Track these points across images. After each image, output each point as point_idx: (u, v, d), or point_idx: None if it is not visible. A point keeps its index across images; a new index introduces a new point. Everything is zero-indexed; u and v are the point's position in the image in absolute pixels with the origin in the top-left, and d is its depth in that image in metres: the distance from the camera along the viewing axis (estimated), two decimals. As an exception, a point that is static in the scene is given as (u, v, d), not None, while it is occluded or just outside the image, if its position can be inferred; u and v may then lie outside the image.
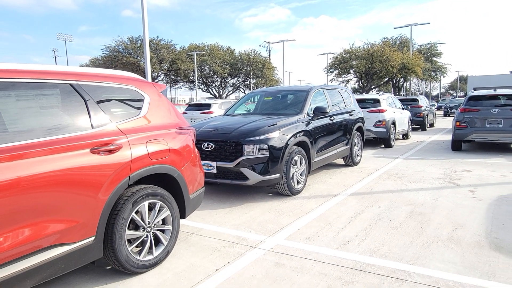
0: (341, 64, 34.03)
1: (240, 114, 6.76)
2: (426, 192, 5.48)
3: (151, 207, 3.13)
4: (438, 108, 41.13)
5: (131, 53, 40.38)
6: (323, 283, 2.84)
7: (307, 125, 5.76)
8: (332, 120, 6.56)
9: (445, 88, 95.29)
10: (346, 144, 7.22)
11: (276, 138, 5.05)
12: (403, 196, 5.26)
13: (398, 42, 38.31)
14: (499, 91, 9.34)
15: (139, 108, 3.23)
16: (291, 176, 5.27)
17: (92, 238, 2.66)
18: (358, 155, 7.87)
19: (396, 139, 12.63)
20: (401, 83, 39.05)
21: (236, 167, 4.93)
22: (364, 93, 31.03)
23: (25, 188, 2.24)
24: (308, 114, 5.97)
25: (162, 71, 43.98)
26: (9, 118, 2.34)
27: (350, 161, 7.59)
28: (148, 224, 3.10)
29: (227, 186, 6.04)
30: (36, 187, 2.30)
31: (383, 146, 10.88)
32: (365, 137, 10.20)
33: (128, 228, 2.94)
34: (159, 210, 3.20)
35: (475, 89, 10.86)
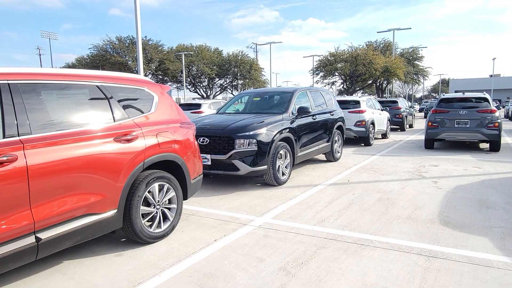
0: (326, 67, 35.00)
1: (231, 113, 7.41)
2: (395, 182, 6.22)
3: (160, 188, 3.75)
4: (420, 110, 42.56)
5: (119, 53, 40.52)
6: (302, 248, 3.51)
7: (291, 123, 6.44)
8: (314, 119, 7.26)
9: (428, 90, 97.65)
10: (327, 141, 7.94)
11: (264, 134, 5.71)
12: (375, 186, 5.99)
13: (381, 45, 39.48)
14: (467, 94, 10.22)
15: (150, 106, 3.85)
16: (277, 168, 5.94)
17: (115, 211, 3.27)
18: (338, 152, 8.60)
19: (376, 138, 13.47)
20: (384, 85, 40.25)
21: (228, 159, 5.58)
22: (345, 95, 32.02)
23: (65, 167, 2.84)
24: (292, 113, 6.65)
25: (150, 71, 44.18)
26: (52, 112, 2.94)
27: (331, 156, 8.31)
28: (158, 202, 3.73)
29: (220, 177, 6.68)
30: (73, 167, 2.91)
31: (362, 144, 11.67)
32: (346, 136, 10.97)
33: (142, 205, 3.56)
34: (166, 191, 3.82)
35: (456, 91, 11.71)
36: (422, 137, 13.70)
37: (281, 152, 6.05)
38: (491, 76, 65.26)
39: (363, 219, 4.35)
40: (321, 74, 36.66)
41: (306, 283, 2.85)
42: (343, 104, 11.48)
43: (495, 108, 9.59)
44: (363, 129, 11.14)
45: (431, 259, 3.22)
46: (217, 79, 52.62)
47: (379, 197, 5.28)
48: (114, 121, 3.38)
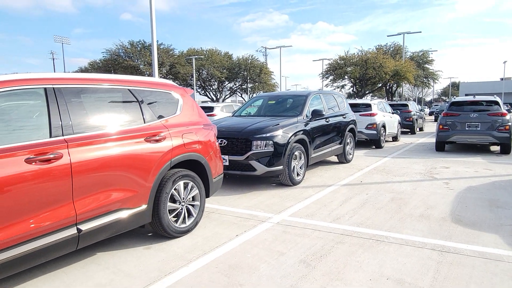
0: (336, 70, 35.12)
1: (247, 115, 7.64)
2: (407, 183, 6.38)
3: (185, 186, 3.98)
4: (431, 114, 42.39)
5: (131, 57, 41.15)
6: (320, 243, 3.71)
7: (305, 125, 6.64)
8: (327, 122, 7.45)
9: (438, 94, 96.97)
10: (340, 143, 8.11)
11: (280, 135, 5.92)
12: (388, 186, 6.15)
13: (391, 49, 39.49)
14: (478, 97, 10.32)
15: (175, 108, 4.09)
16: (292, 168, 6.14)
17: (145, 206, 3.51)
18: (350, 154, 8.76)
19: (387, 141, 13.58)
20: (394, 88, 40.20)
21: (245, 160, 5.80)
22: (356, 98, 32.11)
23: (102, 164, 3.09)
24: (306, 116, 6.86)
25: (161, 75, 44.74)
26: (91, 114, 3.19)
27: (343, 158, 8.48)
28: (183, 199, 3.95)
29: (236, 177, 6.90)
30: (110, 164, 3.15)
31: (374, 147, 11.81)
32: (357, 139, 11.12)
33: (169, 201, 3.79)
34: (190, 189, 4.05)
35: (466, 95, 11.83)
36: (433, 140, 13.79)
37: (296, 153, 6.25)
38: (502, 79, 64.64)
39: (377, 217, 4.52)
40: (331, 77, 36.80)
41: (326, 274, 3.04)
42: (354, 107, 11.64)
43: (506, 111, 9.68)
44: (374, 132, 11.28)
45: (444, 253, 3.39)
46: (226, 83, 53.06)
47: (392, 197, 5.44)
48: (145, 122, 3.62)
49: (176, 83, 49.86)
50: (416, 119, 17.56)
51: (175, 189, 3.85)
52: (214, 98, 52.41)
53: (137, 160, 3.38)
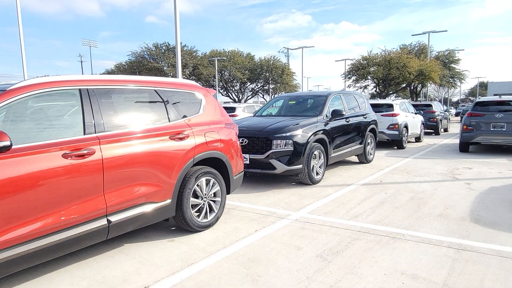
0: (358, 71, 34.79)
1: (267, 115, 7.78)
2: (428, 183, 6.36)
3: (207, 183, 4.16)
4: (457, 114, 41.28)
5: (156, 59, 42.06)
6: (337, 239, 3.81)
7: (325, 125, 6.73)
8: (347, 122, 7.50)
9: (465, 94, 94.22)
10: (360, 143, 8.14)
11: (300, 135, 6.04)
12: (408, 186, 6.16)
13: (416, 48, 38.77)
14: (504, 97, 10.09)
15: (198, 108, 4.28)
16: (311, 167, 6.24)
17: (169, 201, 3.71)
18: (371, 154, 8.77)
19: (409, 141, 13.42)
20: (418, 89, 39.42)
21: (266, 158, 5.94)
22: (378, 98, 31.71)
23: (131, 160, 3.30)
24: (326, 116, 6.94)
25: (184, 76, 45.51)
26: (121, 113, 3.42)
27: (363, 158, 8.49)
28: (205, 195, 4.14)
29: (256, 176, 7.06)
30: (137, 160, 3.36)
31: (395, 147, 11.71)
32: (379, 139, 11.09)
33: (192, 197, 3.98)
34: (212, 185, 4.23)
35: (495, 95, 11.60)
36: (457, 141, 13.50)
37: (315, 152, 6.34)
38: (534, 78, 62.06)
39: (395, 215, 4.57)
40: (354, 78, 36.48)
41: (342, 268, 3.15)
42: (376, 107, 11.59)
43: (534, 111, 9.43)
44: (396, 132, 11.20)
45: (460, 251, 3.43)
46: (248, 84, 53.40)
47: (411, 197, 5.46)
48: (169, 121, 3.83)
49: (199, 84, 50.77)
50: (441, 120, 17.22)
51: (197, 185, 4.03)
52: (236, 99, 52.83)
53: (162, 156, 3.58)
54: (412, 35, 44.42)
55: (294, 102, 7.91)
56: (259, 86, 53.76)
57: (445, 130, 19.07)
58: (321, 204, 5.17)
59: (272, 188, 6.19)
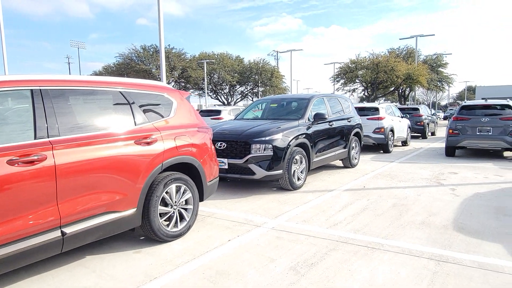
0: (347, 74, 34.85)
1: (249, 118, 7.57)
2: (411, 189, 6.20)
3: (177, 189, 3.93)
4: (445, 118, 41.62)
5: (144, 61, 41.62)
6: (313, 250, 3.60)
7: (307, 129, 6.54)
8: (331, 125, 7.33)
9: (454, 98, 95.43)
10: (344, 148, 7.97)
11: (280, 139, 5.83)
12: (391, 192, 5.99)
13: (404, 52, 39.03)
14: (490, 101, 10.04)
15: (169, 111, 4.04)
16: (292, 172, 6.03)
17: (134, 210, 3.46)
18: (355, 158, 8.61)
19: (396, 145, 13.35)
20: (407, 92, 39.66)
21: (244, 163, 5.72)
22: (364, 102, 31.76)
23: (89, 167, 3.05)
24: (309, 120, 6.75)
25: (173, 79, 45.14)
26: (79, 115, 3.17)
27: (348, 163, 8.33)
28: (175, 202, 3.90)
29: (237, 181, 6.83)
30: (97, 167, 3.11)
31: (381, 151, 11.60)
32: (364, 143, 10.98)
33: (160, 205, 3.73)
34: (183, 192, 3.99)
35: (483, 98, 11.57)
36: (444, 145, 13.47)
37: (297, 157, 6.14)
38: (519, 83, 63.12)
39: (375, 223, 4.39)
40: (342, 81, 36.53)
41: (314, 282, 2.94)
42: (362, 111, 11.48)
43: (519, 116, 9.38)
44: (382, 136, 11.08)
45: (441, 263, 3.25)
46: (238, 86, 53.19)
47: (394, 203, 5.29)
48: (135, 125, 3.58)
49: (188, 86, 50.21)
50: (428, 124, 17.22)
51: (166, 193, 3.80)
52: (226, 102, 52.56)
53: (126, 163, 3.34)
54: (400, 39, 44.51)
55: (276, 105, 7.72)
56: (248, 89, 53.58)
57: (433, 133, 19.09)
58: (301, 211, 4.97)
59: (252, 194, 5.97)
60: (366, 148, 12.23)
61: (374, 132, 11.12)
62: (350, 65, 34.65)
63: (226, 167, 5.87)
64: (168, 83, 45.93)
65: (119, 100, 3.56)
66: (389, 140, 11.30)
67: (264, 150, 5.71)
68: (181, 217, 4.01)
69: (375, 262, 3.28)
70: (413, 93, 37.02)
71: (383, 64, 31.46)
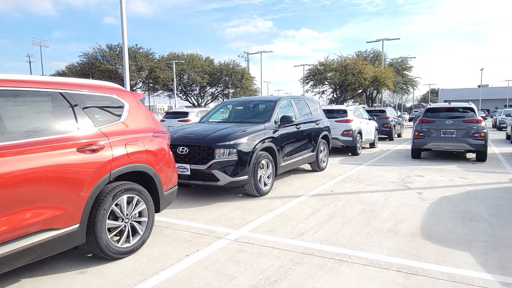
0: (315, 76, 35.14)
1: (214, 121, 7.25)
2: (379, 193, 6.10)
3: (129, 201, 3.56)
4: (410, 119, 42.89)
5: (109, 61, 40.26)
6: (277, 264, 3.35)
7: (274, 132, 6.30)
8: (298, 128, 7.13)
9: (418, 100, 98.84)
10: (312, 151, 7.81)
11: (245, 143, 5.56)
12: (359, 197, 5.85)
13: (371, 55, 39.85)
14: (453, 104, 10.22)
15: (120, 114, 3.68)
16: (258, 178, 5.78)
17: (77, 226, 3.08)
18: (324, 161, 8.47)
19: (364, 147, 13.40)
20: (374, 95, 40.52)
21: (208, 169, 5.41)
22: (333, 104, 32.15)
23: (19, 179, 2.65)
24: (275, 122, 6.52)
25: (140, 79, 43.99)
26: (8, 120, 2.76)
27: (316, 166, 8.18)
28: (126, 215, 3.54)
29: (200, 187, 6.49)
30: (29, 179, 2.71)
31: (350, 154, 11.57)
32: (333, 145, 10.90)
33: (109, 219, 3.37)
34: (136, 204, 3.63)
35: (445, 101, 11.79)
36: (410, 146, 13.69)
37: (263, 162, 5.89)
38: (479, 86, 66.29)
39: (343, 232, 4.20)
40: (311, 83, 36.80)
41: (277, 303, 2.68)
42: (330, 113, 11.43)
43: (481, 118, 9.59)
44: (350, 139, 11.05)
45: (410, 276, 3.08)
46: (208, 88, 52.56)
47: (362, 209, 5.14)
48: (78, 130, 3.20)
49: (157, 87, 49.06)
50: (394, 125, 17.51)
51: (116, 205, 3.43)
52: (196, 104, 51.80)
53: (65, 173, 2.95)
54: (367, 42, 45.73)
55: (242, 107, 7.44)
56: (219, 90, 53.07)
57: (399, 135, 19.45)
58: (266, 219, 4.71)
59: (216, 201, 5.66)
60: (335, 151, 12.19)
61: (342, 134, 11.08)
62: (319, 67, 34.96)
63: (189, 173, 5.53)
64: (135, 83, 44.75)
65: (58, 103, 3.16)
66: (357, 143, 11.29)
67: (229, 155, 5.42)
68: (134, 231, 3.65)
69: (342, 277, 3.07)
70: (380, 95, 37.84)
71: (351, 67, 31.94)
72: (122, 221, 3.50)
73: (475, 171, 8.27)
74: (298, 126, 7.15)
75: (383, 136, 17.11)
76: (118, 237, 3.50)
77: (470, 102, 10.61)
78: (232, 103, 7.83)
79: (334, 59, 34.72)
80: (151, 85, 48.55)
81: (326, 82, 35.86)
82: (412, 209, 5.11)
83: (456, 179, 7.33)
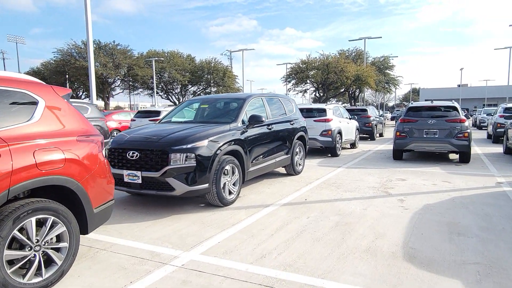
0: (297, 74, 34.60)
1: (176, 121, 6.50)
2: (357, 201, 5.49)
3: (40, 224, 2.82)
4: (392, 119, 42.87)
5: (85, 57, 38.77)
6: (225, 303, 2.67)
7: (241, 133, 5.63)
8: (270, 129, 6.47)
9: (400, 99, 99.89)
10: (287, 153, 7.17)
11: (205, 147, 4.86)
12: (335, 206, 5.23)
13: (353, 54, 39.63)
14: (436, 103, 9.75)
15: (31, 113, 2.92)
16: (221, 186, 5.09)
17: (-43, 261, 2.33)
18: (300, 164, 7.85)
19: (344, 148, 12.87)
20: (356, 93, 40.32)
21: (161, 177, 4.69)
22: (312, 103, 31.72)
23: None
24: (243, 123, 5.84)
25: (118, 77, 42.63)
26: None
27: (291, 170, 7.54)
28: (37, 242, 2.79)
29: (157, 197, 5.76)
30: None
31: (329, 155, 11.00)
32: (311, 146, 10.33)
33: (10, 248, 2.62)
34: (51, 227, 2.89)
35: (426, 100, 11.32)
36: (391, 146, 13.22)
37: (227, 167, 5.21)
38: (459, 85, 67.23)
39: (313, 253, 3.55)
40: (293, 81, 36.29)
41: None
42: (308, 112, 10.85)
43: (465, 118, 9.14)
44: (330, 139, 10.47)
45: (390, 317, 2.44)
46: (190, 86, 51.50)
47: (337, 222, 4.51)
48: (-37, 134, 2.44)
49: (136, 85, 47.83)
50: (376, 125, 17.07)
51: (20, 230, 2.69)
52: (177, 102, 50.69)
53: None
54: (349, 41, 45.53)
55: (207, 106, 6.73)
56: (200, 89, 52.07)
57: (380, 135, 19.06)
58: (225, 236, 4.03)
59: (172, 213, 4.94)
60: (313, 152, 11.60)
61: (321, 134, 10.48)
62: (301, 66, 34.45)
63: (140, 181, 4.80)
64: (113, 81, 43.36)
65: None
66: (336, 143, 10.71)
67: (186, 160, 4.71)
68: (50, 261, 2.91)
69: (304, 322, 2.41)
70: (363, 94, 37.65)
71: (333, 65, 31.55)
72: (30, 250, 2.75)
73: (459, 173, 7.78)
74: (270, 127, 6.49)
75: (364, 136, 16.65)
76: (25, 270, 2.75)
77: (453, 100, 10.16)
78: (197, 101, 7.10)
79: (316, 57, 34.30)
80: (131, 83, 47.21)
81: (308, 81, 35.40)
82: (393, 221, 4.51)
83: (439, 183, 6.81)
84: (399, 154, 9.92)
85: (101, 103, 47.11)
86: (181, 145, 4.75)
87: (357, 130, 13.32)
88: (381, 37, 31.86)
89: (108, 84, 42.49)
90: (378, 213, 4.86)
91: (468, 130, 8.90)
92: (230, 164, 5.27)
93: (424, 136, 9.15)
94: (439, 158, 10.30)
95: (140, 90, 51.07)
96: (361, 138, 16.35)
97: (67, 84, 41.72)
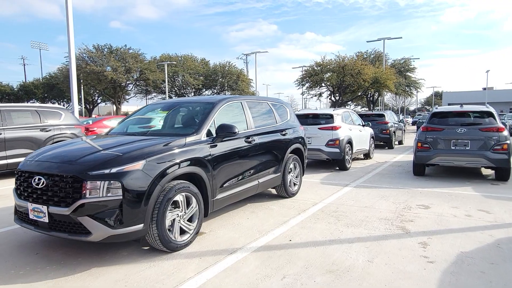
0: (311, 77, 32.87)
1: (129, 133, 5.07)
2: (362, 246, 3.93)
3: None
4: (413, 123, 40.57)
5: (96, 62, 38.25)
6: None
7: (204, 150, 4.17)
8: (250, 142, 4.99)
9: (421, 103, 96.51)
10: (275, 172, 5.66)
11: (139, 171, 3.42)
12: (327, 254, 3.70)
13: (372, 56, 37.68)
14: (466, 107, 8.03)
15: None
16: (167, 225, 3.64)
17: None
18: (295, 184, 6.32)
19: (357, 158, 11.26)
20: (375, 97, 38.29)
21: (73, 214, 3.27)
22: (337, 107, 29.96)
23: None
24: (209, 134, 4.38)
25: (130, 81, 41.97)
26: None
27: (283, 191, 6.03)
28: None
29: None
30: None
31: (337, 168, 9.41)
32: (316, 158, 8.85)
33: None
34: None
35: (449, 104, 9.59)
36: (411, 157, 11.50)
37: (178, 198, 3.75)
38: (484, 89, 63.84)
39: None
40: (307, 84, 34.60)
41: None
42: (313, 118, 9.32)
43: (503, 126, 7.40)
44: (337, 150, 8.88)
45: None
46: (204, 90, 50.56)
47: (325, 287, 2.98)
48: None
49: (149, 89, 47.16)
50: (394, 132, 15.31)
51: None
52: (190, 107, 49.60)
53: None
54: (367, 41, 43.54)
55: (167, 112, 5.29)
56: (215, 93, 51.02)
57: (400, 142, 17.26)
58: (142, 319, 2.57)
59: (93, 262, 3.51)
60: (319, 164, 10.04)
61: (327, 145, 8.91)
62: (315, 68, 32.75)
63: (47, 220, 3.40)
64: (125, 85, 42.70)
65: None
66: (346, 155, 9.11)
67: (107, 191, 3.28)
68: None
69: None
70: (382, 98, 35.63)
71: (350, 67, 29.74)
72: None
73: (499, 197, 6.09)
74: (250, 139, 5.00)
75: (381, 143, 14.94)
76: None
77: (488, 104, 8.42)
78: (156, 106, 5.67)
79: (331, 59, 32.54)
80: (144, 87, 46.54)
81: (323, 84, 33.65)
82: (412, 287, 2.94)
83: (474, 213, 5.16)
84: (420, 169, 8.24)
85: (100, 107, 46.54)
86: (102, 169, 3.32)
87: (371, 139, 11.67)
88: (401, 37, 30.03)
89: (121, 88, 41.86)
90: (389, 270, 3.30)
91: (508, 142, 7.17)
92: (183, 193, 3.81)
93: (452, 148, 7.46)
94: (469, 173, 8.57)
95: (154, 94, 50.48)
96: (378, 146, 14.66)
97: (82, 89, 41.33)
